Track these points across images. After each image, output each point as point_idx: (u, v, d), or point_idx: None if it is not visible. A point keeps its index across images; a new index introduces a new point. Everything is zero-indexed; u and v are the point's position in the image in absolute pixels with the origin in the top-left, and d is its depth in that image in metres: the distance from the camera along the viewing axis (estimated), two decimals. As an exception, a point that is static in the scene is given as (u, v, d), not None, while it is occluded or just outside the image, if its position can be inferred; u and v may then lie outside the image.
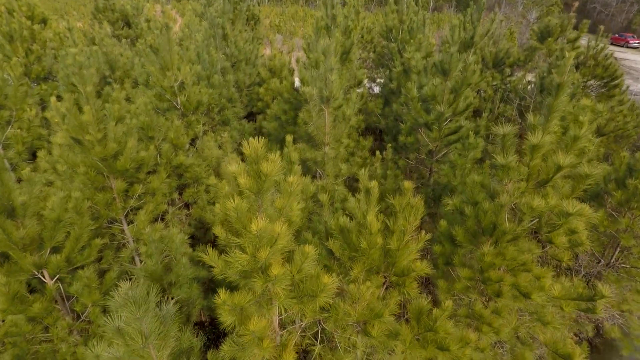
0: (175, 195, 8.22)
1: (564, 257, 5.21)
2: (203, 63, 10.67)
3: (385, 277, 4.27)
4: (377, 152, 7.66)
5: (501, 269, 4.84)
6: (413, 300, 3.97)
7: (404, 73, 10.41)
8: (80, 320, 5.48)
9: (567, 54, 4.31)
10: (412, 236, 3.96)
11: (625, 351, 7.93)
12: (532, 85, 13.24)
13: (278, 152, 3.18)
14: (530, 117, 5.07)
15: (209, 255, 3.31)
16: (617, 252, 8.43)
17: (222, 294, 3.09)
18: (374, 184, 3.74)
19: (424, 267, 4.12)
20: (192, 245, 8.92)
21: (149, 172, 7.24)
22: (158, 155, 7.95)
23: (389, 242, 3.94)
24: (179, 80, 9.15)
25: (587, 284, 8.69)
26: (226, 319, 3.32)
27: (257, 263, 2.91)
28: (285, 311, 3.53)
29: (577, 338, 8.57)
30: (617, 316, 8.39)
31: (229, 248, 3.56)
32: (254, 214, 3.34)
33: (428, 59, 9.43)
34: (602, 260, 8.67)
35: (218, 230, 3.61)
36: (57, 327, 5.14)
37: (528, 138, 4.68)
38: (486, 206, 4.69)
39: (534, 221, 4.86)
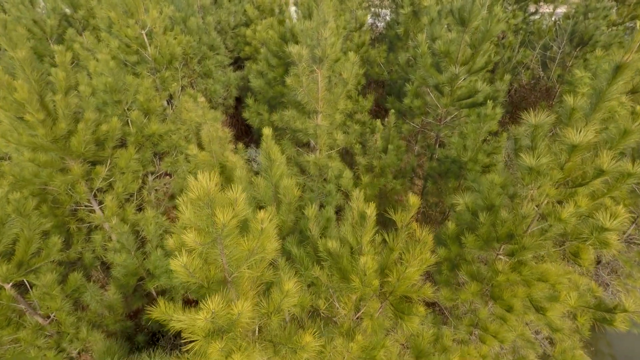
0: (152, 168, 7.38)
1: (585, 262, 4.59)
2: (176, 2, 9.04)
3: (381, 303, 3.68)
4: (379, 122, 6.65)
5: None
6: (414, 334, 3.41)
7: (414, 16, 8.85)
8: (50, 320, 5.05)
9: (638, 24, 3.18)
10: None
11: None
12: (559, 24, 11.53)
13: (240, 189, 2.34)
14: (569, 98, 4.05)
15: (161, 308, 2.64)
16: (631, 228, 7.89)
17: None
18: (370, 210, 2.93)
19: (426, 291, 3.52)
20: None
21: (116, 146, 6.32)
22: (129, 122, 6.95)
23: (386, 272, 3.27)
24: (147, 28, 7.73)
25: (596, 267, 8.29)
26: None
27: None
28: None
29: (576, 311, 8.39)
30: (620, 290, 8.15)
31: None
32: (213, 262, 2.60)
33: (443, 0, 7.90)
34: (613, 234, 8.13)
35: (175, 266, 2.91)
36: (22, 332, 4.72)
37: (565, 134, 3.72)
38: (504, 215, 3.92)
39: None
